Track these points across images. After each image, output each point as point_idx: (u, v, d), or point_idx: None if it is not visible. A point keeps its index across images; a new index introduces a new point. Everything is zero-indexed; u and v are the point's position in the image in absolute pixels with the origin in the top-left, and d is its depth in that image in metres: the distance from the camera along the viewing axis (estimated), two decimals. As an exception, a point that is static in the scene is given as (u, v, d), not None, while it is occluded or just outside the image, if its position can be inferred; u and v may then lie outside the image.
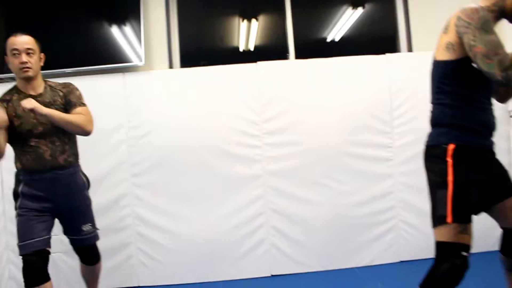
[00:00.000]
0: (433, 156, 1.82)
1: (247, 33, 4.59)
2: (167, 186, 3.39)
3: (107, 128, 3.35)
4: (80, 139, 2.53)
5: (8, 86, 2.45)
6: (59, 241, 2.91)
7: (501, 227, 1.95)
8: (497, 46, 1.60)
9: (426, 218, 3.19)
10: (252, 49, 5.01)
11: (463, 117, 1.77)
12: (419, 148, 3.22)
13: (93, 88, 3.27)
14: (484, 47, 1.61)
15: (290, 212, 3.42)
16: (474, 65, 1.66)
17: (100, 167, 3.34)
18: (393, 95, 3.49)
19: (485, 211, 1.89)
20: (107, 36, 3.40)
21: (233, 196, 3.41)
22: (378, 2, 4.10)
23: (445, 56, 1.76)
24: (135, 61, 3.36)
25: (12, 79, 2.66)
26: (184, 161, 3.39)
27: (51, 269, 2.31)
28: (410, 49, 3.63)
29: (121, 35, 3.42)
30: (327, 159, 3.44)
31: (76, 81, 2.57)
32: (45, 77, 2.48)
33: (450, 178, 1.72)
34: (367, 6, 4.23)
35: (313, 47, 4.93)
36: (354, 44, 4.85)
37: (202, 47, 5.04)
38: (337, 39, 4.88)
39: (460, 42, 1.68)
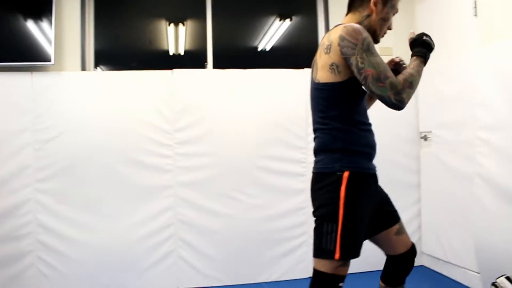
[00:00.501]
0: (325, 184, 1.66)
1: (175, 37, 4.51)
2: (73, 193, 3.27)
3: (12, 130, 3.21)
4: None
5: None
6: None
7: (386, 255, 1.94)
8: (386, 69, 1.57)
9: None
10: (182, 53, 4.95)
11: (354, 141, 1.69)
12: None
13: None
14: (374, 70, 1.55)
15: (199, 224, 3.38)
16: (363, 87, 1.63)
17: (1, 171, 3.17)
18: (309, 110, 3.50)
19: (368, 238, 1.85)
20: (16, 32, 3.23)
21: (142, 206, 3.33)
22: (304, 16, 4.13)
23: (329, 78, 1.66)
24: (44, 60, 3.21)
25: None
26: (92, 167, 3.28)
27: None
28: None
29: (31, 32, 3.26)
30: (239, 172, 3.42)
31: None
32: None
33: (341, 211, 1.59)
34: (295, 18, 4.26)
35: (242, 55, 4.91)
36: (284, 56, 4.88)
37: (132, 49, 4.92)
38: (268, 49, 4.89)
39: (345, 64, 1.61)
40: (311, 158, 3.42)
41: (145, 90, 3.36)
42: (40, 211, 3.24)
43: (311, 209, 3.40)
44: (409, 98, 1.59)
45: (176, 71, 3.40)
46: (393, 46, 3.73)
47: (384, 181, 3.33)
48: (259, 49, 4.95)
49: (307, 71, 3.53)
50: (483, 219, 2.92)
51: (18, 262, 3.20)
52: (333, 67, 1.64)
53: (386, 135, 3.59)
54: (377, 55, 1.58)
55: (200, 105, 3.40)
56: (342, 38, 1.59)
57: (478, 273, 2.99)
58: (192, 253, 3.37)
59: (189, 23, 4.29)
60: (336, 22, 3.62)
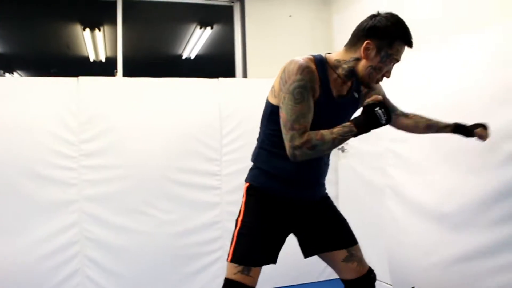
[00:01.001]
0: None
1: (93, 43, 4.32)
2: None
3: None
4: None
5: None
6: None
7: (340, 279, 1.92)
8: (297, 119, 1.53)
9: None
10: (103, 60, 4.75)
11: (270, 162, 1.74)
12: None
13: None
14: (286, 115, 1.55)
15: (107, 241, 3.18)
16: None
17: None
18: (223, 121, 3.43)
19: (314, 254, 1.88)
20: None
21: (44, 222, 3.09)
22: (224, 25, 4.05)
23: (270, 97, 1.72)
24: None
25: None
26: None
27: None
28: (245, 75, 3.60)
29: None
30: (150, 186, 3.26)
31: None
32: None
33: (240, 218, 1.72)
34: (216, 27, 4.18)
35: (164, 63, 4.79)
36: (208, 64, 4.79)
37: (51, 55, 4.69)
38: (192, 57, 4.80)
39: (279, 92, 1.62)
40: (226, 171, 3.39)
41: (49, 98, 3.15)
42: None
43: (227, 223, 3.37)
44: (305, 157, 1.56)
45: (82, 78, 3.21)
46: (311, 57, 3.71)
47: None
48: (183, 57, 4.84)
49: (222, 81, 3.46)
50: (394, 231, 2.93)
51: None
52: (273, 89, 1.68)
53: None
54: (299, 102, 1.54)
55: (108, 115, 3.22)
56: (283, 70, 1.60)
57: (391, 285, 2.99)
58: (99, 272, 3.17)
59: (106, 28, 4.11)
60: (253, 32, 3.65)
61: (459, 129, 2.00)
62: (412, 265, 2.77)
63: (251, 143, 3.34)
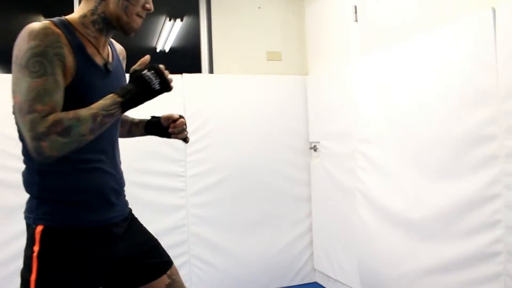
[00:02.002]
0: (27, 238, 1.23)
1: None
2: None
3: None
4: None
5: None
6: None
7: None
8: (38, 98, 1.09)
9: (220, 253, 3.04)
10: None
11: (55, 185, 1.24)
12: (214, 178, 3.06)
13: None
14: (21, 96, 1.10)
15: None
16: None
17: None
18: (188, 119, 3.22)
19: None
20: None
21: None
22: (194, 17, 3.84)
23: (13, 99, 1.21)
24: None
25: None
26: None
27: None
28: (211, 71, 3.40)
29: None
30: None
31: None
32: None
33: (33, 276, 1.18)
34: (185, 19, 3.96)
35: (138, 56, 4.56)
36: (181, 58, 4.59)
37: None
38: (167, 50, 4.59)
39: None
40: (192, 171, 3.21)
41: None
42: None
43: (193, 227, 3.20)
44: (56, 149, 1.09)
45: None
46: (281, 51, 3.51)
47: (276, 194, 3.19)
48: (157, 50, 4.64)
49: (186, 77, 3.26)
50: (364, 237, 2.77)
51: None
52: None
53: (276, 145, 3.40)
54: (39, 74, 1.10)
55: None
56: (14, 52, 1.14)
57: (361, 292, 2.84)
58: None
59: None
60: (219, 25, 3.43)
61: (153, 127, 1.59)
62: (382, 273, 2.61)
63: (218, 141, 3.23)
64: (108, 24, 1.28)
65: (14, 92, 1.12)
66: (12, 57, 1.14)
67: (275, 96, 3.43)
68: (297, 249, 3.44)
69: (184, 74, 3.24)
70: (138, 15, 1.30)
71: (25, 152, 1.23)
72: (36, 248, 1.18)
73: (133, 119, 1.62)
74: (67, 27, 1.21)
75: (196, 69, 3.42)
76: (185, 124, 1.51)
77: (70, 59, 1.17)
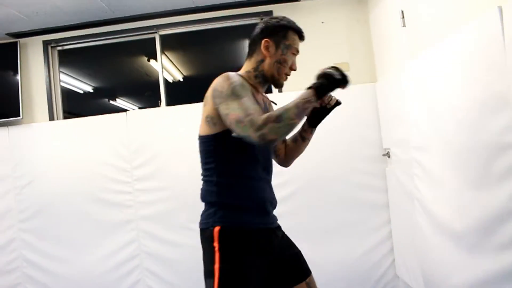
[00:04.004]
0: (204, 240, 1.60)
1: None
2: (50, 231, 3.63)
3: (-6, 178, 3.67)
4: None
5: None
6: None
7: None
8: (248, 108, 1.45)
9: None
10: (181, 79, 5.14)
11: (230, 195, 1.61)
12: (289, 189, 3.42)
13: None
14: (236, 112, 1.46)
15: (162, 254, 3.54)
16: (234, 135, 1.52)
17: (-12, 215, 3.66)
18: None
19: None
20: None
21: (108, 240, 3.58)
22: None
23: (206, 130, 1.63)
24: (15, 115, 3.62)
25: None
26: (64, 207, 3.62)
27: None
28: (280, 90, 3.61)
29: (4, 92, 3.71)
30: (193, 204, 3.48)
31: None
32: None
33: (216, 266, 1.51)
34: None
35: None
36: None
37: (139, 81, 5.23)
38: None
39: (219, 114, 1.54)
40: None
41: (103, 133, 3.63)
42: (25, 248, 3.65)
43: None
44: (275, 133, 1.41)
45: (129, 113, 3.61)
46: (349, 61, 3.56)
47: (352, 202, 3.28)
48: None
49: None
50: (423, 245, 2.70)
51: (10, 294, 3.65)
52: (208, 119, 1.61)
53: (349, 154, 3.47)
54: (244, 97, 1.50)
55: (153, 144, 3.58)
56: (214, 89, 1.57)
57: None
58: (157, 281, 3.55)
59: (162, 57, 4.48)
60: None
61: (314, 118, 1.91)
62: (437, 285, 2.53)
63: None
64: (265, 78, 1.75)
65: (227, 114, 1.49)
66: (214, 95, 1.56)
67: (346, 106, 3.46)
68: (377, 256, 3.44)
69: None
70: (286, 74, 1.77)
71: (208, 170, 1.65)
72: (216, 244, 1.53)
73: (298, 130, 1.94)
74: (242, 77, 1.67)
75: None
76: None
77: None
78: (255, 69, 1.74)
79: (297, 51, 1.79)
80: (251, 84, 1.71)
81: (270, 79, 1.76)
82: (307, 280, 1.76)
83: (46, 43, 3.78)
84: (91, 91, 4.90)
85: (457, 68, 2.15)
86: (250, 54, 1.77)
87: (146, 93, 4.96)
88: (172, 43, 4.05)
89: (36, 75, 3.79)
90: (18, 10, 3.22)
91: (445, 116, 2.34)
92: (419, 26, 2.64)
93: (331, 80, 1.56)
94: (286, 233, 1.85)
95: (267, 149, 1.73)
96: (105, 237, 3.59)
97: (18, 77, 3.65)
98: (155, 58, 3.87)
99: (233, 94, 1.51)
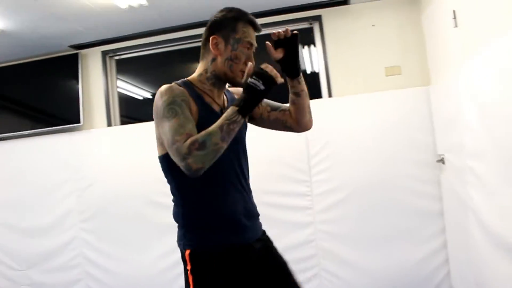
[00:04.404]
0: (182, 261, 1.59)
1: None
2: (108, 231, 3.81)
3: (58, 181, 3.91)
4: (34, 192, 3.72)
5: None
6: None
7: None
8: (176, 132, 1.39)
9: (349, 267, 3.31)
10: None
11: (196, 215, 1.55)
12: (340, 196, 3.40)
13: (47, 146, 3.95)
14: (166, 137, 1.42)
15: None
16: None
17: (53, 214, 3.91)
18: (310, 142, 3.49)
19: None
20: (54, 101, 3.97)
21: (163, 241, 3.69)
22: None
23: (159, 151, 1.58)
24: (75, 122, 3.85)
25: None
26: (120, 209, 3.79)
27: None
28: (330, 95, 3.58)
29: (65, 99, 3.95)
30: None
31: (33, 141, 3.80)
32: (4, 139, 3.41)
33: None
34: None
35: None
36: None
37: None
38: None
39: None
40: (317, 191, 3.46)
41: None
42: (85, 246, 3.87)
43: (321, 242, 3.42)
44: (201, 162, 1.35)
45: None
46: (401, 64, 3.46)
47: (403, 209, 3.28)
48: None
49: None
50: (479, 261, 2.57)
51: (72, 288, 3.88)
52: (158, 140, 1.57)
53: (400, 159, 3.38)
54: (173, 115, 1.42)
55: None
56: (153, 107, 1.51)
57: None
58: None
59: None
60: (334, 48, 3.54)
61: (287, 68, 1.65)
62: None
63: (340, 161, 3.39)
64: (219, 79, 1.61)
65: (162, 139, 1.46)
66: (153, 113, 1.50)
67: (397, 111, 3.40)
68: (431, 266, 3.32)
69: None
70: (242, 71, 1.57)
71: (172, 190, 1.62)
72: (188, 267, 1.51)
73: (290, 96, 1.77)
74: (187, 85, 1.58)
75: (317, 94, 3.64)
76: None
77: (193, 106, 1.50)
78: (207, 70, 1.61)
79: (251, 45, 1.60)
80: (201, 89, 1.59)
81: (224, 79, 1.61)
82: None
83: (104, 53, 3.98)
84: (150, 97, 5.08)
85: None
86: (202, 53, 1.64)
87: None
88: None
89: (95, 84, 3.99)
90: (78, 24, 3.42)
91: (502, 121, 2.22)
92: (472, 26, 2.52)
93: (255, 93, 1.43)
94: (273, 243, 1.75)
95: (237, 153, 1.61)
96: (159, 238, 3.70)
97: (79, 86, 3.87)
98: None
99: (164, 115, 1.44)
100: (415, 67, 3.45)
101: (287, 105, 1.80)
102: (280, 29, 1.59)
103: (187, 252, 1.52)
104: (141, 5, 3.02)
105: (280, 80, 1.46)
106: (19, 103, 4.12)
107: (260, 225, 1.73)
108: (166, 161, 1.54)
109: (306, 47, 3.86)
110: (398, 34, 3.48)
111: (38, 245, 3.95)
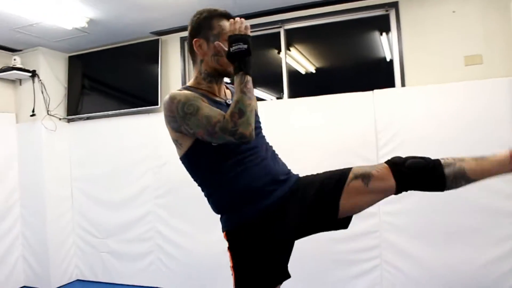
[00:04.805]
0: None
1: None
2: (179, 208, 4.04)
3: (138, 158, 4.20)
4: (116, 168, 4.15)
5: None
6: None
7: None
8: (209, 117, 1.51)
9: (412, 261, 3.25)
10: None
11: (222, 200, 1.70)
12: None
13: (128, 126, 4.27)
14: (201, 129, 1.53)
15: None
16: (214, 144, 1.59)
17: (132, 189, 4.23)
18: (379, 132, 3.42)
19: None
20: (136, 84, 4.27)
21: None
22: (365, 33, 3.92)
23: (179, 153, 1.71)
24: (155, 104, 4.09)
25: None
26: (192, 188, 3.92)
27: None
28: (403, 84, 3.47)
29: (145, 82, 4.23)
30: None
31: (117, 121, 4.15)
32: (93, 118, 3.83)
33: (231, 264, 1.67)
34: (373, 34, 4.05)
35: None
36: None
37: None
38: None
39: (182, 135, 1.62)
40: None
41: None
42: (158, 221, 4.13)
43: (385, 233, 3.36)
44: (247, 125, 1.49)
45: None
46: (482, 53, 3.26)
47: (474, 206, 3.21)
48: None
49: (376, 93, 3.44)
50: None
51: (144, 259, 4.18)
52: (175, 143, 1.69)
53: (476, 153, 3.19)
54: (196, 110, 1.53)
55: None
56: (165, 116, 1.62)
57: None
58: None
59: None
60: (410, 35, 3.40)
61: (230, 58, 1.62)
62: None
63: (410, 152, 3.26)
64: (213, 75, 1.72)
65: (194, 133, 1.56)
66: (167, 120, 1.62)
67: (476, 103, 3.21)
68: (500, 270, 3.10)
69: (375, 90, 3.44)
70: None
71: (200, 187, 1.78)
72: (228, 246, 1.69)
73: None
74: (189, 89, 1.69)
75: (390, 83, 3.54)
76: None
77: (204, 101, 1.61)
78: (200, 72, 1.72)
79: (227, 33, 1.62)
80: (202, 89, 1.70)
81: (217, 74, 1.71)
82: (350, 175, 1.69)
83: (182, 39, 4.17)
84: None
85: None
86: (193, 60, 1.76)
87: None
88: (301, 36, 4.13)
89: (173, 68, 4.22)
90: (158, 13, 3.62)
91: None
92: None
93: (243, 54, 1.55)
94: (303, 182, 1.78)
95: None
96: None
97: (159, 70, 4.10)
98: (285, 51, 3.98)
99: (185, 112, 1.54)
100: (498, 56, 3.22)
101: None
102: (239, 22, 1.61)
103: (224, 233, 1.71)
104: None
105: (249, 35, 1.57)
106: (106, 85, 4.46)
107: (290, 179, 1.76)
108: (187, 160, 1.70)
109: (381, 34, 3.75)
110: (481, 20, 3.26)
111: (117, 217, 4.30)
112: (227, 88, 1.86)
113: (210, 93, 1.72)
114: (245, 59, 1.56)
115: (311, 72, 5.15)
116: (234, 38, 1.56)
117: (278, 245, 1.67)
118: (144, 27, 3.96)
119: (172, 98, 1.58)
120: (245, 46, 1.55)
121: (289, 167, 1.84)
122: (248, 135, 1.49)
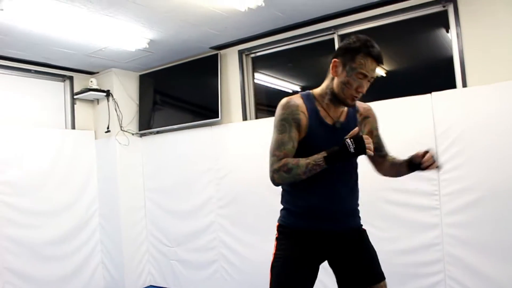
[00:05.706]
0: None
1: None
2: (241, 218, 4.12)
3: (201, 170, 4.37)
4: (183, 179, 4.34)
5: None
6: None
7: None
8: (278, 147, 1.78)
9: (480, 277, 3.03)
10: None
11: (290, 201, 1.95)
12: (472, 197, 3.09)
13: (192, 138, 4.50)
14: (271, 145, 1.83)
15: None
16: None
17: (197, 200, 4.41)
18: (439, 137, 3.20)
19: None
20: (198, 99, 4.44)
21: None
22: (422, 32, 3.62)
23: None
24: (216, 117, 4.22)
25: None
26: (252, 198, 4.04)
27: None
28: (464, 84, 3.21)
29: (205, 96, 4.37)
30: (366, 205, 3.42)
31: (181, 134, 4.47)
32: (161, 132, 4.13)
33: (274, 251, 1.96)
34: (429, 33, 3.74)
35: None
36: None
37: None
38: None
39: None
40: (446, 190, 3.17)
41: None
42: (221, 231, 4.24)
43: (448, 247, 3.13)
44: (282, 180, 1.77)
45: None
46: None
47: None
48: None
49: (435, 95, 3.22)
50: None
51: (209, 267, 4.32)
52: None
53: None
54: (281, 131, 1.79)
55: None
56: (274, 117, 1.89)
57: None
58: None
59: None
60: (471, 33, 3.13)
61: (412, 165, 1.91)
62: None
63: (474, 158, 3.03)
64: (334, 96, 1.86)
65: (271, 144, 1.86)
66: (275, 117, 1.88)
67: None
68: None
69: (433, 93, 3.23)
70: (353, 95, 1.81)
71: None
72: (275, 235, 1.99)
73: (399, 161, 2.05)
74: (310, 98, 1.91)
75: (450, 84, 3.30)
76: (433, 156, 1.85)
77: (304, 121, 1.83)
78: (327, 86, 1.87)
79: (364, 76, 1.76)
80: (320, 103, 1.88)
81: (337, 98, 1.84)
82: (381, 284, 1.92)
83: (240, 52, 4.27)
84: (289, 91, 5.22)
85: None
86: (328, 72, 1.88)
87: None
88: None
89: (232, 81, 4.32)
90: (210, 28, 3.73)
91: None
92: None
93: (345, 151, 1.68)
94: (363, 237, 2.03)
95: (340, 168, 1.84)
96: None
97: (219, 84, 4.22)
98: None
99: (277, 127, 1.82)
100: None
101: (387, 151, 2.15)
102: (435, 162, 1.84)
103: (277, 224, 1.99)
104: (258, 6, 3.16)
105: (370, 152, 1.68)
106: (172, 100, 4.71)
107: (347, 222, 1.96)
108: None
109: (438, 32, 3.52)
110: None
111: (184, 226, 4.49)
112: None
113: (323, 110, 1.89)
114: (343, 158, 1.70)
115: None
116: (358, 140, 1.69)
117: (313, 256, 1.90)
118: (201, 42, 4.11)
119: (281, 107, 1.85)
120: (353, 152, 1.68)
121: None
122: (275, 182, 1.80)
